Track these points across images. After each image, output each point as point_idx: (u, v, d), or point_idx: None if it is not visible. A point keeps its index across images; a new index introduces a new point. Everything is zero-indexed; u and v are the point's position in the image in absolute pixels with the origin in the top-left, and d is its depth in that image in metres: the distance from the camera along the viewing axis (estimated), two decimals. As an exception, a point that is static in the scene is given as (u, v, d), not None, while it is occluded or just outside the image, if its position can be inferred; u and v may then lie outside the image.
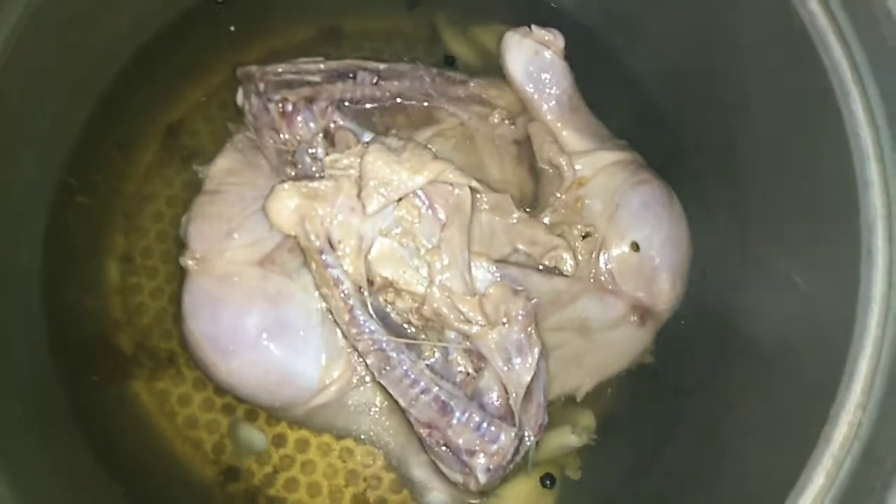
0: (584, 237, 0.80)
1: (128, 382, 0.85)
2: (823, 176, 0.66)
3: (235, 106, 0.85)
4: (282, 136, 0.81)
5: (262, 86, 0.82)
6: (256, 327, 0.76)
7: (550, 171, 0.84)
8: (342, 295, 0.75)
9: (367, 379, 0.77)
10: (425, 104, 0.84)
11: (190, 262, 0.79)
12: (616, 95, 0.90)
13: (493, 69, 0.87)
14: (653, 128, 0.89)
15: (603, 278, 0.80)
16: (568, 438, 0.81)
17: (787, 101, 0.71)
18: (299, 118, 0.80)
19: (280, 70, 0.83)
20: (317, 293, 0.77)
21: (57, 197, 0.86)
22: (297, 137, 0.81)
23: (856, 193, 0.61)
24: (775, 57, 0.72)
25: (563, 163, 0.82)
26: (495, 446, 0.70)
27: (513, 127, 0.84)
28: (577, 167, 0.82)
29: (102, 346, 0.86)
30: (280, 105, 0.81)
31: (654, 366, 0.82)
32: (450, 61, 0.96)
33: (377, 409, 0.79)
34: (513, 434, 0.70)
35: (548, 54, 0.83)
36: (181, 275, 0.80)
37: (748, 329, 0.76)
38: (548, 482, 0.81)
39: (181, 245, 0.81)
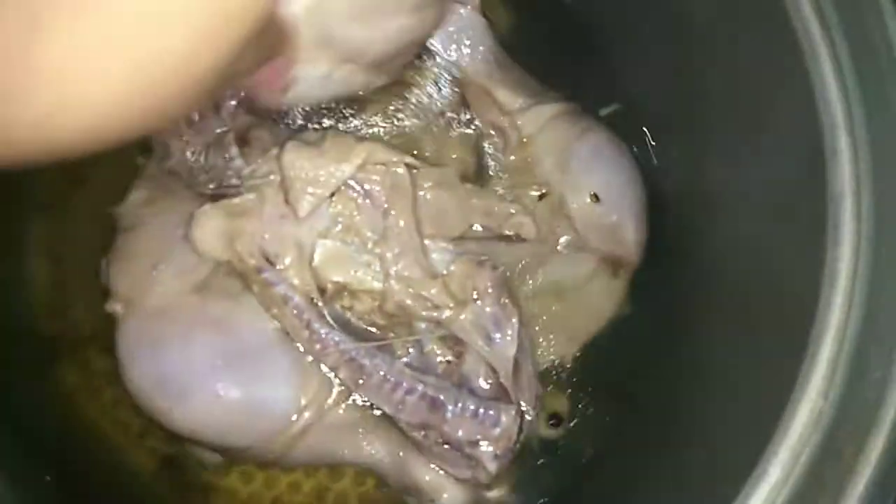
0: (540, 198, 0.76)
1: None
2: (789, 146, 0.62)
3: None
4: (191, 142, 0.73)
5: None
6: (208, 359, 0.69)
7: (493, 134, 0.79)
8: (294, 312, 0.69)
9: (346, 392, 0.72)
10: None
11: (117, 307, 0.71)
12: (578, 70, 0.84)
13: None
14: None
15: (566, 236, 0.76)
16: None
17: (751, 63, 0.67)
18: (207, 119, 0.73)
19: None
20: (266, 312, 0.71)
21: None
22: (208, 142, 0.73)
23: (823, 165, 0.57)
24: (740, 14, 0.66)
25: (506, 124, 0.77)
26: (498, 430, 0.67)
27: (438, 98, 0.79)
28: (519, 125, 0.77)
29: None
30: None
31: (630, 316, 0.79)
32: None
33: (364, 422, 0.73)
34: (513, 412, 0.68)
35: (464, 11, 0.77)
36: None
37: (706, 304, 0.74)
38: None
39: (105, 293, 0.73)
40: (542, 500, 0.78)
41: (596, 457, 0.79)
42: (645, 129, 0.84)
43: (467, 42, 0.78)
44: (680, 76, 0.79)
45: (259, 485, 0.79)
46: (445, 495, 0.72)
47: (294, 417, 0.71)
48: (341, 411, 0.72)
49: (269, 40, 0.52)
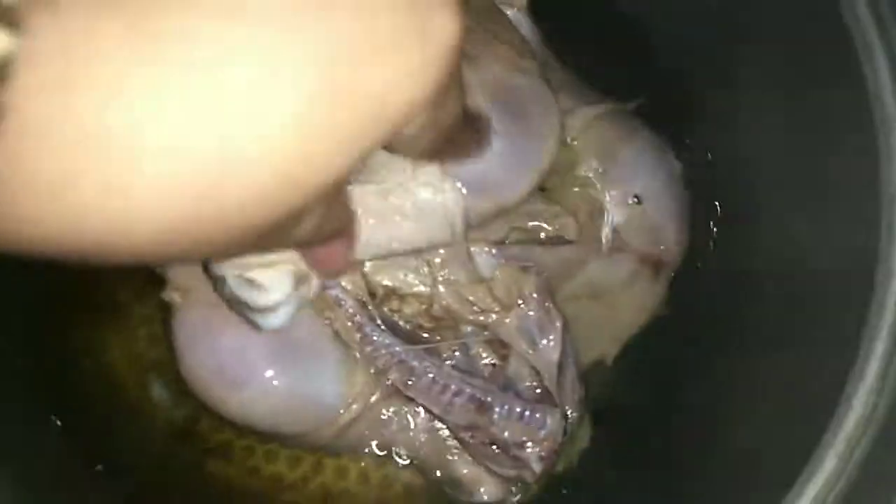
0: (581, 198, 0.77)
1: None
2: (843, 145, 0.62)
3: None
4: None
5: None
6: (264, 351, 0.71)
7: None
8: (347, 314, 0.72)
9: (392, 387, 0.74)
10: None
11: (174, 295, 0.73)
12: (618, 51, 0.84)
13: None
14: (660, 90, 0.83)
15: (606, 239, 0.77)
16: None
17: (803, 61, 0.67)
18: None
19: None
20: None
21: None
22: None
23: (877, 165, 0.58)
24: (792, 9, 0.66)
25: None
26: (544, 432, 0.70)
27: None
28: (566, 125, 0.77)
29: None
30: None
31: (668, 317, 0.80)
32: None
33: (406, 417, 0.76)
34: (558, 415, 0.70)
35: (511, 13, 0.73)
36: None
37: (757, 302, 0.75)
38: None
39: (161, 281, 0.74)
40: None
41: (638, 456, 0.81)
42: (687, 122, 0.84)
43: (516, 44, 0.77)
44: (727, 68, 0.79)
45: (307, 470, 0.82)
46: (482, 489, 0.76)
47: (342, 410, 0.74)
48: (386, 405, 0.75)
49: (336, 213, 0.48)
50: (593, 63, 0.83)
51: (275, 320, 0.66)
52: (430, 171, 0.66)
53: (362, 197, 0.65)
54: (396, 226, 0.67)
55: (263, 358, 0.72)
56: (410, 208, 0.67)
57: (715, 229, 0.82)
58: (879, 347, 0.57)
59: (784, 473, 0.57)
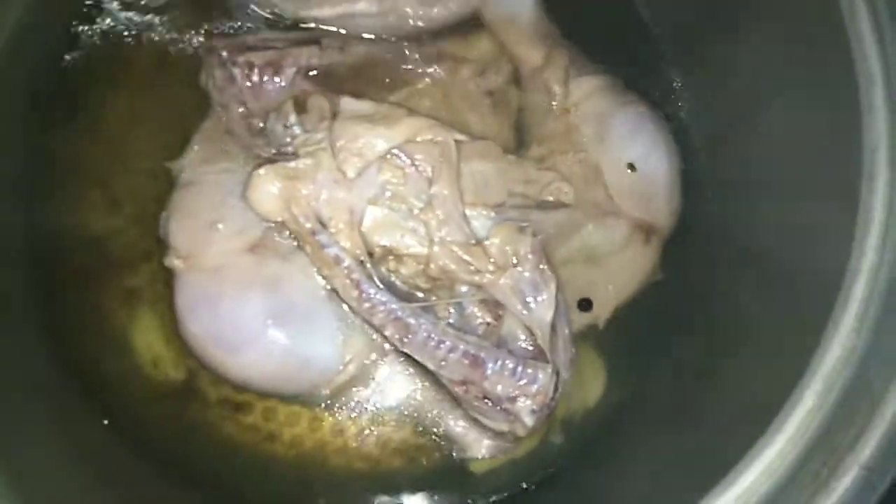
0: (578, 164, 0.79)
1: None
2: (827, 98, 0.65)
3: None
4: (250, 107, 0.77)
5: (224, 54, 0.78)
6: (261, 316, 0.74)
7: (538, 101, 0.81)
8: (345, 272, 0.73)
9: (388, 348, 0.77)
10: (394, 66, 0.80)
11: (176, 262, 0.76)
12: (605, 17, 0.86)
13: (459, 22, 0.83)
14: (646, 56, 0.87)
15: (602, 202, 0.79)
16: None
17: (790, 21, 0.69)
18: (267, 85, 0.76)
19: (243, 39, 0.79)
20: (317, 272, 0.75)
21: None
22: (267, 107, 0.77)
23: (859, 117, 0.60)
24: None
25: (558, 89, 0.80)
26: (535, 386, 0.71)
27: (484, 79, 0.81)
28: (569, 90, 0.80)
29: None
30: (246, 71, 0.77)
31: (663, 282, 0.82)
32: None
33: (402, 377, 0.78)
34: (549, 370, 0.71)
35: None
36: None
37: (744, 246, 0.77)
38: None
39: (164, 245, 0.78)
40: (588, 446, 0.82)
41: (635, 404, 0.83)
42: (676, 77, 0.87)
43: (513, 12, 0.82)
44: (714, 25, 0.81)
45: (304, 427, 0.83)
46: (476, 447, 0.77)
47: (338, 371, 0.76)
48: (383, 365, 0.77)
49: None
50: (597, 40, 0.86)
51: None
52: None
53: None
54: None
55: (260, 322, 0.75)
56: None
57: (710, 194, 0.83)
58: (858, 290, 0.59)
59: (768, 409, 0.59)
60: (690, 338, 0.81)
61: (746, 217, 0.78)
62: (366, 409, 0.80)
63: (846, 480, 0.56)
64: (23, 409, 0.72)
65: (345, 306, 0.75)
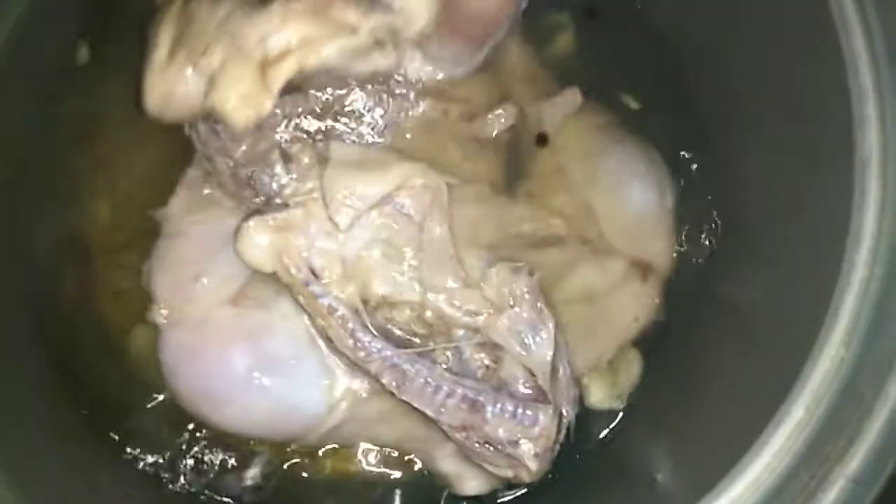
0: (569, 203, 0.79)
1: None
2: (819, 111, 0.65)
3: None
4: (235, 157, 0.76)
5: None
6: (245, 368, 0.74)
7: (528, 140, 0.81)
8: (339, 322, 0.72)
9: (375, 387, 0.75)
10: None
11: (160, 317, 0.76)
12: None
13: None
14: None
15: (596, 241, 0.79)
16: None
17: (784, 31, 0.70)
18: (250, 138, 0.75)
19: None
20: (298, 317, 0.74)
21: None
22: (252, 157, 0.76)
23: (851, 130, 0.60)
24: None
25: (549, 129, 0.81)
26: (537, 428, 0.70)
27: (473, 125, 0.80)
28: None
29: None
30: None
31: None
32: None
33: (390, 414, 0.76)
34: (550, 411, 0.70)
35: None
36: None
37: (737, 265, 0.78)
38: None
39: (147, 298, 0.77)
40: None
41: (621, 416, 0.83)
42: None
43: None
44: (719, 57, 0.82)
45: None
46: (467, 483, 0.76)
47: (327, 415, 0.75)
48: (372, 405, 0.76)
49: None
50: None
51: None
52: None
53: None
54: None
55: (245, 375, 0.74)
56: None
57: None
58: (849, 303, 0.59)
59: (756, 422, 0.59)
60: (676, 347, 0.81)
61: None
62: (356, 447, 0.80)
63: (833, 493, 0.56)
64: (22, 411, 0.71)
65: (332, 352, 0.74)
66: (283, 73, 0.70)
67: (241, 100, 0.70)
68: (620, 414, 0.82)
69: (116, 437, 0.79)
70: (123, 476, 0.79)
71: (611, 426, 0.82)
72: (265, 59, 0.70)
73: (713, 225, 0.83)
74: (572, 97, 0.82)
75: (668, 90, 0.86)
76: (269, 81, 0.70)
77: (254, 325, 0.74)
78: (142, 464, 0.79)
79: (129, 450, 0.79)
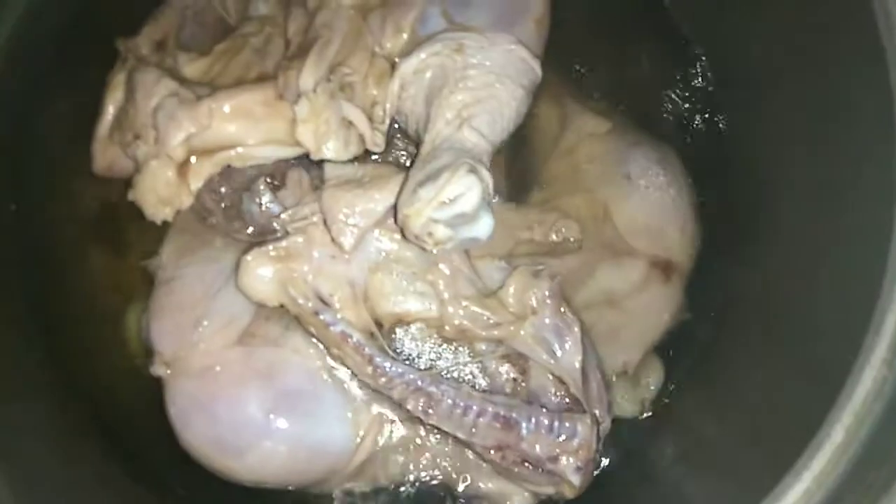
0: (585, 204, 0.77)
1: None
2: (860, 120, 0.62)
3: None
4: (221, 191, 0.73)
5: None
6: (261, 411, 0.69)
7: (541, 145, 0.81)
8: (355, 348, 0.68)
9: (397, 417, 0.72)
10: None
11: (162, 371, 0.71)
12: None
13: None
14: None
15: (615, 242, 0.77)
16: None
17: (827, 48, 0.67)
18: (234, 170, 0.73)
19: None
20: (311, 350, 0.71)
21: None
22: (238, 188, 0.73)
23: (893, 140, 0.57)
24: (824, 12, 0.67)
25: (564, 131, 0.80)
26: (577, 440, 0.66)
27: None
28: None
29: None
30: None
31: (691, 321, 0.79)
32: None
33: (420, 440, 0.73)
34: (588, 420, 0.66)
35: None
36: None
37: (772, 276, 0.74)
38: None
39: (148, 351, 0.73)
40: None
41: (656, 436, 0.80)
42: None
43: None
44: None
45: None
46: (512, 500, 0.72)
47: (353, 450, 0.71)
48: (399, 433, 0.72)
49: None
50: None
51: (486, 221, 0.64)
52: None
53: None
54: None
55: (261, 419, 0.69)
56: None
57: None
58: (891, 320, 0.55)
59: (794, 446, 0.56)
60: (703, 358, 0.79)
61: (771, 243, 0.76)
62: (389, 478, 0.75)
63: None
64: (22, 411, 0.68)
65: (354, 381, 0.71)
66: (203, 172, 0.72)
67: (158, 201, 0.72)
68: (645, 423, 0.79)
69: (119, 438, 0.76)
70: (124, 476, 0.75)
71: (634, 435, 0.79)
72: (187, 157, 0.71)
73: (740, 224, 0.80)
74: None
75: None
76: (188, 179, 0.72)
77: (265, 363, 0.70)
78: (142, 464, 0.76)
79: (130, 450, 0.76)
